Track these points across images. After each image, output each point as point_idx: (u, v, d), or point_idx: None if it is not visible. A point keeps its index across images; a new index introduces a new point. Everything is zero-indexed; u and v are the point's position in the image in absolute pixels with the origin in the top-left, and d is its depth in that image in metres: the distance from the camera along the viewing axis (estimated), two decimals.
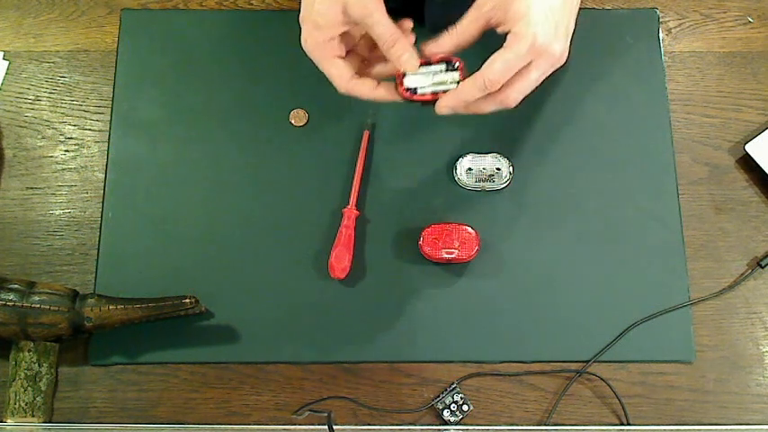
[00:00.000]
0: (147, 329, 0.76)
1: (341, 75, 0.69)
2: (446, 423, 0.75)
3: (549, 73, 0.68)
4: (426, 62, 0.68)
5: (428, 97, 0.68)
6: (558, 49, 0.66)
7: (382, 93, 0.70)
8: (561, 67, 0.68)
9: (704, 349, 0.78)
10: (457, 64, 0.69)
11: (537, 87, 0.68)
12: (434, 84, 0.68)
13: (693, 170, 0.83)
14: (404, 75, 0.68)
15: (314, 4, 0.66)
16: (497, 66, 0.65)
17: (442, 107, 0.68)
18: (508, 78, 0.66)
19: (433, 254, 0.77)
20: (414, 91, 0.69)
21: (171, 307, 0.74)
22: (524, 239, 0.80)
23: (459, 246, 0.77)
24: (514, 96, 0.67)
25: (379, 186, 0.82)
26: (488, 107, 0.68)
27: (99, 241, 0.80)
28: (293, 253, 0.80)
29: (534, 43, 0.64)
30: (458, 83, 0.68)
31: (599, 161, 0.83)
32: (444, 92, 0.68)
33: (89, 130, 0.84)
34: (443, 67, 0.69)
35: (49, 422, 0.75)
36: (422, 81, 0.69)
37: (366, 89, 0.69)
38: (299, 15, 0.68)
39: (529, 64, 0.66)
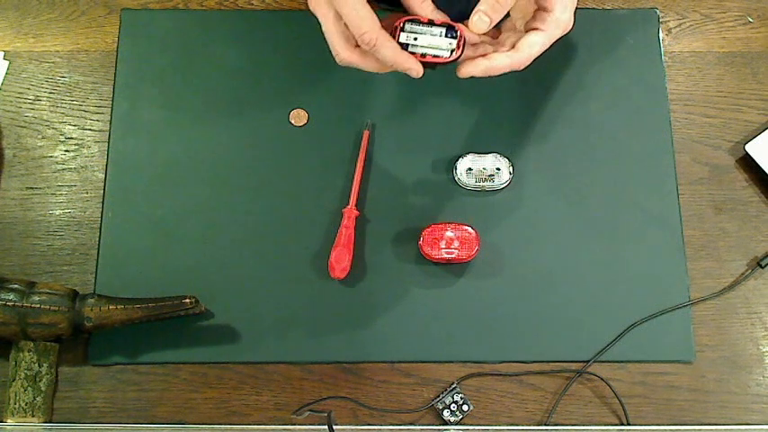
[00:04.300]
0: (147, 329, 0.76)
1: (375, 18, 0.65)
2: (446, 423, 0.75)
3: None
4: (429, 22, 0.67)
5: (417, 56, 0.67)
6: (571, 22, 0.71)
7: (404, 57, 0.66)
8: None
9: (704, 349, 0.78)
10: (459, 32, 0.67)
11: None
12: (428, 46, 0.67)
13: (693, 170, 0.83)
14: (401, 28, 0.67)
15: None
16: (536, 49, 0.69)
17: (467, 73, 0.69)
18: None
19: (432, 254, 0.77)
20: (405, 47, 0.67)
21: (171, 307, 0.74)
22: (524, 239, 0.80)
23: (459, 246, 0.77)
24: (528, 64, 0.70)
25: (379, 186, 0.82)
26: (503, 71, 0.70)
27: (99, 241, 0.80)
28: (293, 253, 0.80)
29: (567, 26, 0.70)
30: (452, 51, 0.67)
31: (599, 161, 0.83)
32: (435, 56, 0.67)
33: (89, 130, 0.84)
34: (443, 30, 0.67)
35: (49, 422, 0.75)
36: (417, 40, 0.67)
37: (391, 46, 0.65)
38: None
39: None
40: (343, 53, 0.67)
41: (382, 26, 0.66)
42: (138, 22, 0.87)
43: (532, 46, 0.69)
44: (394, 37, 0.66)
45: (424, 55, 0.67)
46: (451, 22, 0.67)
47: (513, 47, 0.70)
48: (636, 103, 0.84)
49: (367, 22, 0.64)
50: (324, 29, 0.67)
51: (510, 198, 0.81)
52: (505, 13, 0.68)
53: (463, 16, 0.83)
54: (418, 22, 0.67)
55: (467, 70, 0.68)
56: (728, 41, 0.87)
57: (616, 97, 0.84)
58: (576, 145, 0.83)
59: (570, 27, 0.71)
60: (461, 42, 0.67)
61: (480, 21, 0.67)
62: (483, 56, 0.69)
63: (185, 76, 0.85)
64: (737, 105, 0.85)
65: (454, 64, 0.68)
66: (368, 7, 0.64)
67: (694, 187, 0.82)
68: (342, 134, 0.83)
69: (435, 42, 0.67)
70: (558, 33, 0.70)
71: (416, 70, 0.67)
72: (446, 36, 0.67)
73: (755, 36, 0.87)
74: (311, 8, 0.67)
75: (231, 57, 0.86)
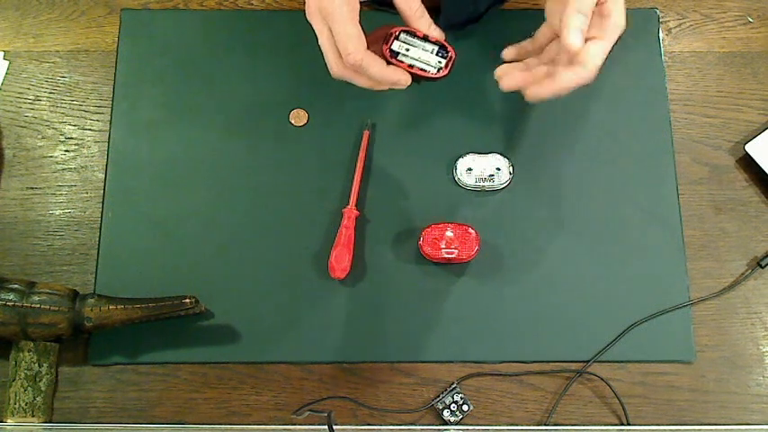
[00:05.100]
0: (147, 329, 0.76)
1: (362, 38, 0.65)
2: (446, 423, 0.75)
3: None
4: (424, 37, 0.68)
5: (404, 66, 0.68)
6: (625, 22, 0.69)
7: (390, 72, 0.67)
8: None
9: (704, 349, 0.78)
10: (450, 53, 0.69)
11: None
12: (417, 59, 0.68)
13: (693, 170, 0.83)
14: (396, 36, 0.68)
15: None
16: (600, 58, 0.66)
17: (535, 96, 0.68)
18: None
19: (433, 254, 0.77)
20: (395, 54, 0.68)
21: (171, 307, 0.74)
22: (524, 239, 0.80)
23: (459, 246, 0.77)
24: (595, 70, 0.67)
25: (379, 186, 0.82)
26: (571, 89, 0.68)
27: (99, 241, 0.80)
28: (293, 253, 0.80)
29: (623, 27, 0.68)
30: (438, 70, 0.68)
31: (599, 161, 0.83)
32: (422, 70, 0.68)
33: (89, 130, 0.84)
34: (436, 48, 0.69)
35: (49, 422, 0.75)
36: (408, 50, 0.68)
37: (377, 64, 0.66)
38: None
39: None
40: (336, 68, 0.67)
41: (375, 34, 0.67)
42: (138, 22, 0.87)
43: (596, 56, 0.67)
44: (387, 43, 0.67)
45: (411, 66, 0.68)
46: (445, 43, 0.69)
47: (572, 62, 0.67)
48: (636, 103, 0.84)
49: (353, 42, 0.64)
50: (319, 41, 0.67)
51: (510, 198, 0.81)
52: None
53: (471, 20, 0.83)
54: (414, 35, 0.68)
55: (535, 93, 0.68)
56: (728, 41, 0.87)
57: (616, 97, 0.84)
58: (576, 145, 0.83)
59: (623, 24, 0.69)
60: (450, 63, 0.69)
61: (575, 36, 0.66)
62: (548, 76, 0.68)
63: (185, 76, 0.85)
64: (737, 105, 0.85)
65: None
66: (357, 26, 0.64)
67: (694, 187, 0.82)
68: (342, 134, 0.83)
69: (425, 57, 0.69)
70: (615, 37, 0.68)
71: (405, 79, 0.68)
72: (437, 54, 0.69)
73: (755, 36, 0.87)
74: (308, 18, 0.67)
75: (231, 57, 0.86)
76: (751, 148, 0.81)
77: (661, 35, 0.87)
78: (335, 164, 0.82)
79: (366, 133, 0.83)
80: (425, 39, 0.68)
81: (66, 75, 0.86)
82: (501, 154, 0.82)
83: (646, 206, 0.81)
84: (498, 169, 0.81)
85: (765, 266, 0.79)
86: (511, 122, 0.84)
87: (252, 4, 0.89)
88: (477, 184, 0.81)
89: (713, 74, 0.86)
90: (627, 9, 0.87)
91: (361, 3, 0.66)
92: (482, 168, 0.81)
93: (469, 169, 0.82)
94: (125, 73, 0.86)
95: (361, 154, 0.82)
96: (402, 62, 0.68)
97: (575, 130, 0.83)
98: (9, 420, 0.74)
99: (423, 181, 0.82)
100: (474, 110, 0.84)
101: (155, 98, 0.85)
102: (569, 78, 0.67)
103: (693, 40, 0.87)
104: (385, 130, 0.84)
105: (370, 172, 0.82)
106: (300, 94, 0.85)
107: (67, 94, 0.86)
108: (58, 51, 0.87)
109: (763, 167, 0.81)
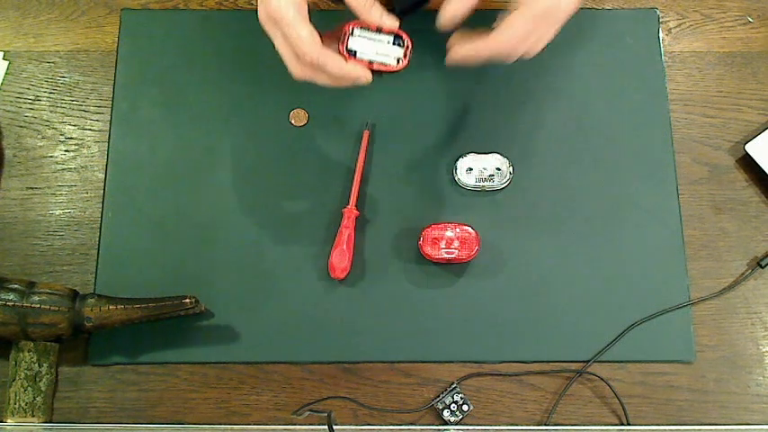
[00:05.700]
0: (147, 329, 0.76)
1: (314, 38, 0.64)
2: (446, 423, 0.75)
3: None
4: (377, 29, 0.67)
5: (364, 63, 0.68)
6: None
7: (349, 68, 0.66)
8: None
9: (704, 349, 0.78)
10: (405, 41, 0.68)
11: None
12: (376, 53, 0.68)
13: (693, 170, 0.83)
14: (351, 33, 0.67)
15: None
16: (517, 29, 0.65)
17: (450, 60, 0.68)
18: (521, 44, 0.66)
19: (433, 254, 0.77)
20: (353, 53, 0.67)
21: (171, 307, 0.74)
22: (524, 239, 0.80)
23: (459, 246, 0.77)
24: (515, 49, 0.66)
25: (379, 186, 0.82)
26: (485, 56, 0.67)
27: (99, 241, 0.80)
28: (293, 253, 0.80)
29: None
30: (398, 60, 0.68)
31: (599, 161, 0.83)
32: (382, 64, 0.68)
33: (89, 130, 0.84)
34: (391, 39, 0.68)
35: (49, 422, 0.75)
36: (365, 46, 0.68)
37: (335, 62, 0.65)
38: None
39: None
40: (296, 70, 0.67)
41: (333, 33, 0.67)
42: (138, 22, 0.87)
43: (511, 26, 0.65)
44: (342, 43, 0.67)
45: (371, 62, 0.68)
46: (399, 32, 0.68)
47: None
48: (636, 103, 0.84)
49: (306, 43, 0.64)
50: (276, 46, 0.67)
51: (510, 198, 0.81)
52: (472, 4, 0.66)
53: (421, 1, 0.82)
54: (367, 28, 0.68)
55: (449, 57, 0.68)
56: (728, 41, 0.87)
57: (616, 97, 0.84)
58: (576, 145, 0.83)
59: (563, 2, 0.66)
60: (407, 52, 0.68)
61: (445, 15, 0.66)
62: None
63: (185, 76, 0.85)
64: (737, 105, 0.85)
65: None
66: (307, 27, 0.64)
67: (694, 187, 0.82)
68: (342, 134, 0.83)
69: (383, 50, 0.68)
70: (540, 8, 0.65)
71: (365, 77, 0.67)
72: (394, 44, 0.68)
73: (755, 36, 0.87)
74: (261, 25, 0.67)
75: (231, 57, 0.86)
76: (751, 148, 0.81)
77: (661, 35, 0.87)
78: (335, 164, 0.82)
79: (366, 133, 0.83)
80: (379, 30, 0.67)
81: (66, 75, 0.86)
82: (501, 154, 0.82)
83: (646, 206, 0.81)
84: (498, 169, 0.81)
85: (765, 266, 0.79)
86: (511, 122, 0.84)
87: (252, 4, 0.89)
88: (477, 184, 0.81)
89: (713, 74, 0.86)
90: (627, 9, 0.88)
91: (312, 2, 0.66)
92: (482, 168, 0.81)
93: (469, 169, 0.82)
94: (125, 73, 0.86)
95: (361, 154, 0.82)
96: (362, 60, 0.67)
97: (575, 130, 0.83)
98: (9, 420, 0.74)
99: (423, 181, 0.82)
100: (474, 110, 0.84)
101: (155, 98, 0.85)
102: (482, 45, 0.66)
103: (693, 40, 0.87)
104: (385, 130, 0.84)
105: (370, 172, 0.82)
106: (300, 94, 0.85)
107: (67, 94, 0.86)
108: (57, 51, 0.87)
109: (763, 167, 0.81)
